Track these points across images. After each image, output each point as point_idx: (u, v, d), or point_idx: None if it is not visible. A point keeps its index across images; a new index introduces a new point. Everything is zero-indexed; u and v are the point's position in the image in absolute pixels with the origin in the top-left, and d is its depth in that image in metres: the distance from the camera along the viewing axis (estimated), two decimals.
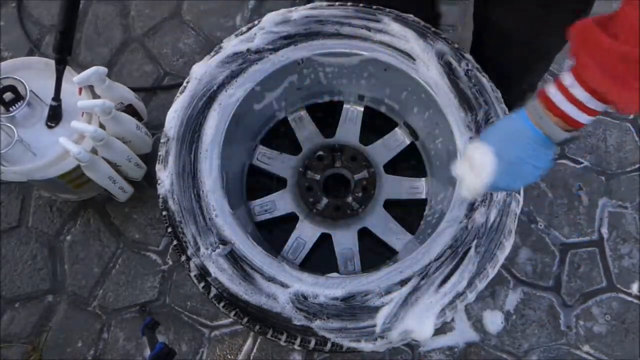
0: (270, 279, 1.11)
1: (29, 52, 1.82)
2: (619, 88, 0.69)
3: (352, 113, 1.52)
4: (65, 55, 1.33)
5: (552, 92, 0.78)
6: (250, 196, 1.45)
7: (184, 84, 1.25)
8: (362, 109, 1.52)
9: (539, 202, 1.59)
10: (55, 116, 1.37)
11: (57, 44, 1.31)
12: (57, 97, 1.35)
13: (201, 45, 1.81)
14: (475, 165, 0.86)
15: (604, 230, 1.57)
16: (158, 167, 1.18)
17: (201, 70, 1.26)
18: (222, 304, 1.12)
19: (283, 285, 1.11)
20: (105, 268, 1.54)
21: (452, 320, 1.47)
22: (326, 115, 1.55)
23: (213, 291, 1.13)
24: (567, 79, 0.76)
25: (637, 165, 1.64)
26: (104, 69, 1.33)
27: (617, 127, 1.68)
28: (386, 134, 1.50)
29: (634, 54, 0.66)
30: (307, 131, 1.51)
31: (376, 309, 1.09)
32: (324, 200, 1.40)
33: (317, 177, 1.43)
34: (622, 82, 0.69)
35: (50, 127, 1.38)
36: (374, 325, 1.08)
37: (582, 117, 0.77)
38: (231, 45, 1.29)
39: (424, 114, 1.38)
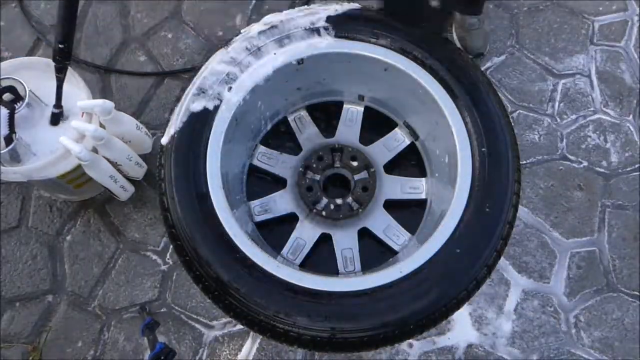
0: (270, 279, 1.11)
1: (29, 52, 1.82)
2: None
3: (352, 113, 1.52)
4: (65, 63, 1.33)
5: None
6: (250, 196, 1.45)
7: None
8: (362, 109, 1.52)
9: (539, 202, 1.59)
10: (57, 123, 1.38)
11: (56, 52, 1.31)
12: (58, 104, 1.36)
13: (201, 45, 1.81)
14: None
15: (604, 231, 1.57)
16: None
17: None
18: (221, 304, 1.12)
19: (283, 285, 1.11)
20: (105, 268, 1.54)
21: (452, 320, 1.47)
22: (326, 115, 1.55)
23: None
24: None
25: (637, 165, 1.63)
26: (110, 104, 1.31)
27: (617, 127, 1.68)
28: (386, 134, 1.50)
29: None
30: (307, 131, 1.51)
31: None
32: (324, 200, 1.40)
33: (317, 177, 1.43)
34: None
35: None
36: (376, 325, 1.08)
37: None
38: None
39: (424, 114, 1.38)
